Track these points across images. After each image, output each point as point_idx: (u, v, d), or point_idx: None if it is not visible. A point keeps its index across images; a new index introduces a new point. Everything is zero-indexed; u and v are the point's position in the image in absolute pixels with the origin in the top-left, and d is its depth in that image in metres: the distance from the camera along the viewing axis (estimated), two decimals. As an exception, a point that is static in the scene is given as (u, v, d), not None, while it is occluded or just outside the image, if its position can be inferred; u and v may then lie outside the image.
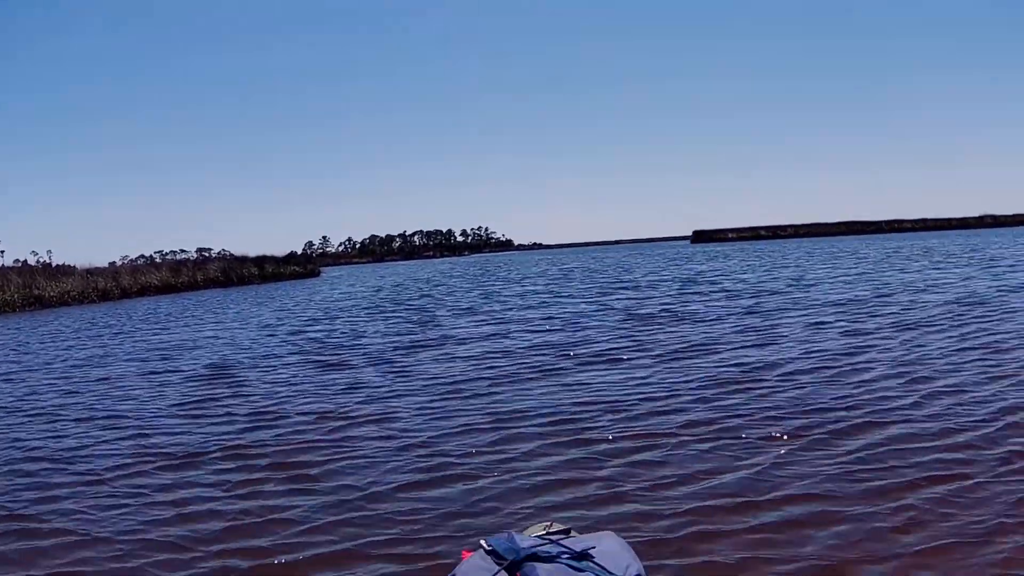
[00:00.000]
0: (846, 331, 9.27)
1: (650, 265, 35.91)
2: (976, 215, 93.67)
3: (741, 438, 4.88)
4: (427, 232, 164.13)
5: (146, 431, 6.31)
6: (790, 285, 17.49)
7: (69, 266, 39.66)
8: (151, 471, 5.09)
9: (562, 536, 2.40)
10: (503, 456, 4.83)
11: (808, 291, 15.51)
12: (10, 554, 3.78)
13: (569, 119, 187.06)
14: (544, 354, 8.89)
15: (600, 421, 5.54)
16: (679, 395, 6.23)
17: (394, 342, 11.29)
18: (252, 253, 50.86)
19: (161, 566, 3.52)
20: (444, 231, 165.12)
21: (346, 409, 6.58)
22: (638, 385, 6.74)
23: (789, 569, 3.07)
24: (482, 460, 4.76)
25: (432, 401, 6.66)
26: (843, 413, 5.33)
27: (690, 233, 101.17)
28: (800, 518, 3.55)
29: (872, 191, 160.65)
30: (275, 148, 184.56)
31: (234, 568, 3.44)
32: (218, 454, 5.38)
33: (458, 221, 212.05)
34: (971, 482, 3.85)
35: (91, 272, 37.64)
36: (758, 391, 6.22)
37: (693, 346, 8.75)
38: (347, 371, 8.81)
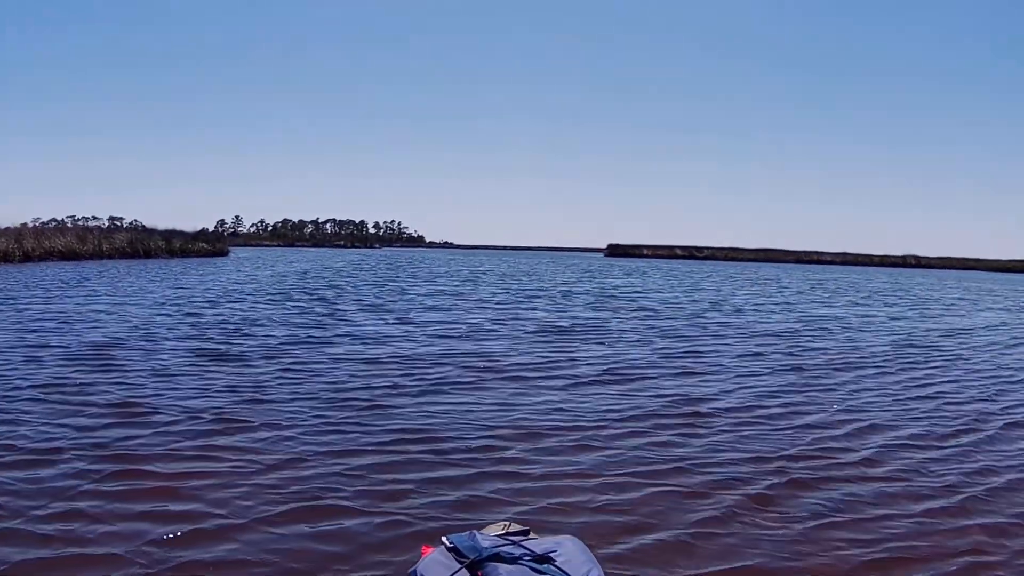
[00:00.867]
0: (781, 366, 9.06)
1: (564, 275, 35.91)
2: (899, 254, 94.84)
3: (672, 487, 4.47)
4: (340, 221, 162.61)
5: (-8, 417, 5.60)
6: (713, 308, 17.61)
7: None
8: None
9: (522, 537, 2.42)
10: (387, 488, 4.36)
11: (734, 316, 15.60)
12: None
13: (483, 118, 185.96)
14: (448, 365, 8.48)
15: (508, 451, 5.14)
16: (600, 426, 5.84)
17: (292, 335, 10.71)
18: (166, 225, 50.49)
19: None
20: (356, 221, 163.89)
21: (222, 411, 6.01)
22: (551, 411, 6.33)
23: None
24: (360, 490, 4.31)
25: (319, 410, 6.16)
26: (784, 463, 4.99)
27: (604, 246, 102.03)
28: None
29: (792, 222, 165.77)
30: (197, 121, 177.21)
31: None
32: (70, 454, 4.76)
33: (371, 213, 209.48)
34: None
35: (-7, 232, 35.49)
36: (687, 428, 5.86)
37: (612, 370, 8.41)
38: (235, 364, 8.21)
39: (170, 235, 48.99)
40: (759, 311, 17.36)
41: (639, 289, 25.16)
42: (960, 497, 4.46)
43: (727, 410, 6.55)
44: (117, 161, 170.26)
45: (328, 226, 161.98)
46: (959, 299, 26.17)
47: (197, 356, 8.67)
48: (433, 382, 7.44)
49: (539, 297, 19.82)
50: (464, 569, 2.13)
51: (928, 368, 9.38)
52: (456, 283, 26.04)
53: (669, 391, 7.34)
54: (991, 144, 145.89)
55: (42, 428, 5.37)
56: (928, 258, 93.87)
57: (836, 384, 8.03)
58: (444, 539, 2.31)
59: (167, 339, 10.00)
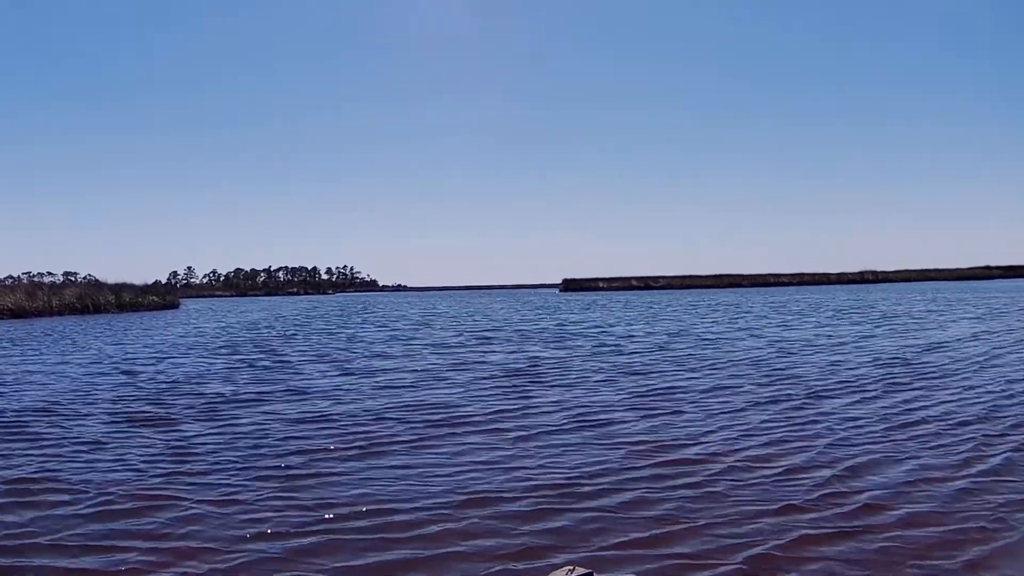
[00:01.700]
0: (760, 400, 8.40)
1: (521, 312, 35.18)
2: (857, 270, 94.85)
3: (660, 555, 3.78)
4: (292, 268, 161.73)
5: None
6: (676, 339, 17.07)
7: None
8: None
9: None
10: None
11: (701, 347, 15.02)
12: None
13: (433, 162, 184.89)
14: (392, 419, 7.66)
15: (464, 520, 4.38)
16: (571, 485, 5.07)
17: (232, 391, 9.88)
18: (120, 279, 48.95)
19: None
20: (309, 268, 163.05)
21: (132, 489, 5.18)
22: (509, 469, 5.54)
23: None
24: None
25: (244, 480, 5.33)
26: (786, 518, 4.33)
27: (559, 281, 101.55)
28: None
29: (745, 245, 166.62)
30: (140, 170, 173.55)
31: None
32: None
33: (323, 259, 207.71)
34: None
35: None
36: (668, 480, 5.15)
37: (577, 416, 7.63)
38: (164, 430, 7.38)
39: (120, 289, 47.19)
40: (725, 339, 16.84)
41: (598, 324, 24.41)
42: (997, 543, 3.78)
43: (711, 456, 5.83)
44: (70, 215, 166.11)
45: (280, 274, 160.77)
46: (927, 311, 26.09)
47: (125, 421, 7.90)
48: (374, 440, 6.64)
49: (495, 339, 18.99)
50: None
51: (913, 389, 8.86)
52: (408, 327, 25.15)
53: (640, 436, 6.60)
54: (947, 150, 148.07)
55: None
56: (886, 272, 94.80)
57: (821, 414, 7.40)
58: None
59: (97, 402, 9.22)
